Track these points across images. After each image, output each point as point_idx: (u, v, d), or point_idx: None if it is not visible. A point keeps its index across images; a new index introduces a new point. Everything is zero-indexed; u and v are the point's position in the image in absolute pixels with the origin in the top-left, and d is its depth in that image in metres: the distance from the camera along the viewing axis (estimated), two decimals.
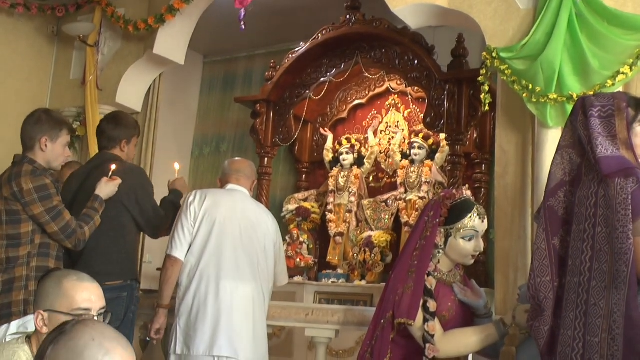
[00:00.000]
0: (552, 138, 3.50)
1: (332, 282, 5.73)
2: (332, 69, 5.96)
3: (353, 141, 6.21)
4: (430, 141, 5.77)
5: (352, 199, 6.07)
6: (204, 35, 6.18)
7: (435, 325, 2.59)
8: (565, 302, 2.27)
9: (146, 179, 3.75)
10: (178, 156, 6.94)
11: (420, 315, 2.58)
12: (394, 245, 5.68)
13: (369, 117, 6.38)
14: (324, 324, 3.51)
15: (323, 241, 6.23)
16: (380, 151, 6.21)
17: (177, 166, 4.02)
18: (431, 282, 2.64)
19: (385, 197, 6.02)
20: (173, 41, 5.58)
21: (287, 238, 5.86)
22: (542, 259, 2.33)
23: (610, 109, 2.31)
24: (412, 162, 5.82)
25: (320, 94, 6.15)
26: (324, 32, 5.79)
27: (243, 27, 4.03)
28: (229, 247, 3.39)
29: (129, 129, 3.73)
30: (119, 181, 3.49)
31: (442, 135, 5.48)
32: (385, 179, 6.23)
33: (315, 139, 6.61)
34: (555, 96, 3.50)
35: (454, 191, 2.79)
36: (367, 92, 6.38)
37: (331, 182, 6.21)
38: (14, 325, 3.04)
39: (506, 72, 3.70)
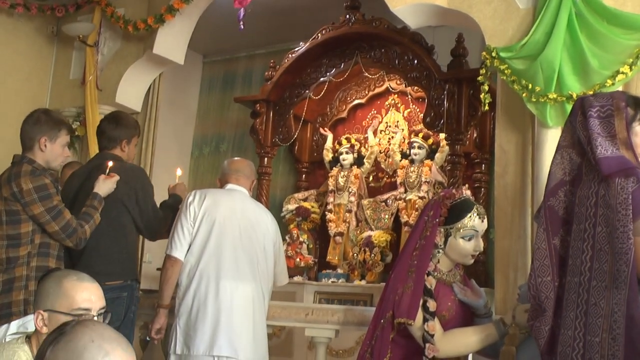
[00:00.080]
0: (551, 138, 3.50)
1: (332, 281, 5.72)
2: (332, 68, 5.96)
3: (353, 141, 6.20)
4: (430, 141, 5.77)
5: (352, 198, 6.07)
6: (204, 35, 6.18)
7: (435, 325, 2.59)
8: (565, 301, 2.27)
9: (146, 179, 3.75)
10: (178, 156, 6.96)
11: (420, 314, 2.58)
12: (394, 245, 5.68)
13: (368, 116, 6.38)
14: (323, 323, 3.51)
15: (323, 241, 6.23)
16: (380, 151, 6.21)
17: (179, 172, 4.04)
18: (431, 282, 2.64)
19: (385, 196, 6.02)
20: (173, 41, 5.58)
21: (287, 238, 5.86)
22: (542, 258, 2.33)
23: (609, 108, 2.30)
24: (412, 161, 5.82)
25: (320, 93, 6.15)
26: (323, 31, 5.78)
27: (242, 26, 4.03)
28: (229, 247, 3.39)
29: (129, 128, 3.74)
30: (116, 178, 3.49)
31: (442, 135, 5.48)
32: (385, 179, 6.22)
33: (315, 138, 6.61)
34: (554, 96, 3.49)
35: (454, 191, 2.79)
36: (366, 92, 6.38)
37: (331, 182, 6.21)
38: (14, 325, 3.03)
39: (506, 71, 3.69)
